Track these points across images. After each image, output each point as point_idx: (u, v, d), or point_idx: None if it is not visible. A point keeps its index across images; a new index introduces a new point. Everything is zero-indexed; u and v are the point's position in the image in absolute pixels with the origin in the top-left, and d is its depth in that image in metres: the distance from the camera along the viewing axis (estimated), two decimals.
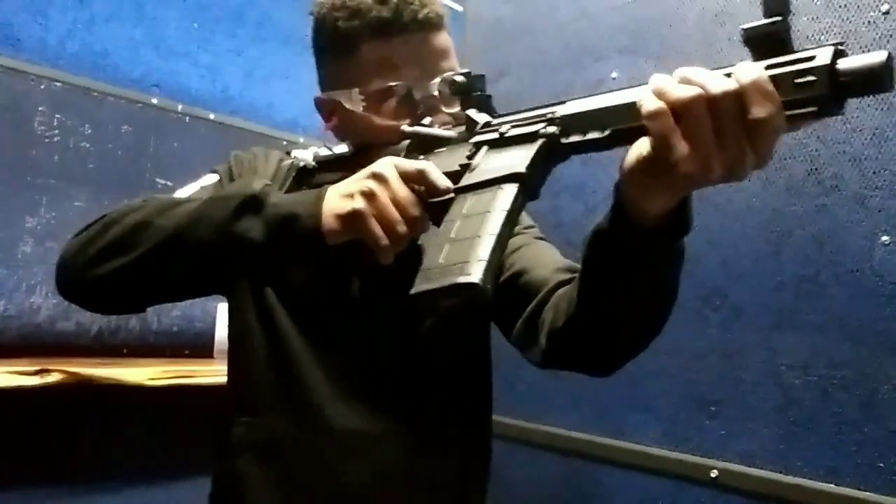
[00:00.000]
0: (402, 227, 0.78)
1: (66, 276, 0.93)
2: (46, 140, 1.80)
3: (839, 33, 1.42)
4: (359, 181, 0.81)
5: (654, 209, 0.69)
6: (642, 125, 0.63)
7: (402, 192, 0.79)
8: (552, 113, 0.75)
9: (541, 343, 0.91)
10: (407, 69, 1.00)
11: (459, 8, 2.30)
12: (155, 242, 0.86)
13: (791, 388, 1.45)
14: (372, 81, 1.01)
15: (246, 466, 1.01)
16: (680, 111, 0.60)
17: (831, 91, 0.57)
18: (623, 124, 0.68)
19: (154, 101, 2.00)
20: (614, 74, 1.90)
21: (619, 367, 0.89)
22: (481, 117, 0.85)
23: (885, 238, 1.34)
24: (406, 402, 1.02)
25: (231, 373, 1.09)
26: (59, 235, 1.77)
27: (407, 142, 0.94)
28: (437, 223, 0.78)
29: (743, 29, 0.62)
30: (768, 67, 0.59)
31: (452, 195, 0.78)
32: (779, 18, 0.59)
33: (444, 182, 0.79)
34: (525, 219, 1.11)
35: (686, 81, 0.61)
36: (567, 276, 0.94)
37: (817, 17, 1.45)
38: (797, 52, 0.59)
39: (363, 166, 0.84)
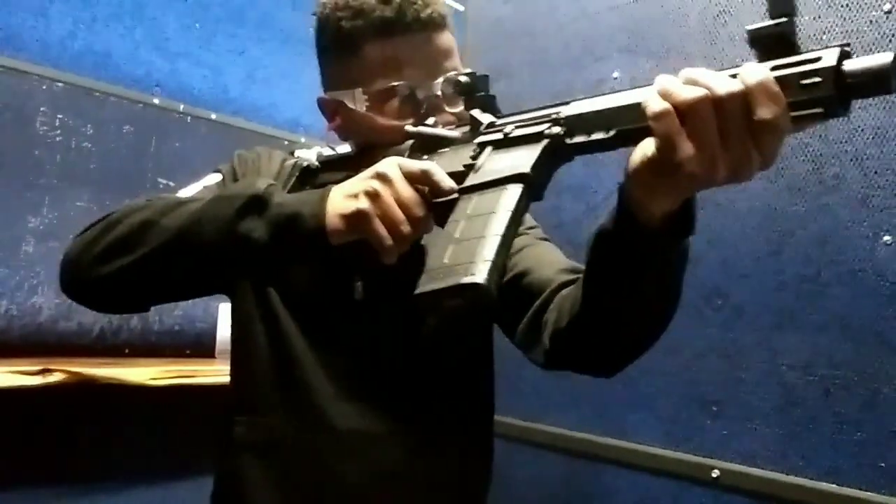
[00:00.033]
0: (406, 228, 0.78)
1: (70, 275, 0.93)
2: (48, 140, 1.80)
3: (841, 32, 1.42)
4: (363, 181, 0.81)
5: (658, 210, 0.69)
6: (647, 126, 0.63)
7: (407, 192, 0.79)
8: (557, 113, 0.75)
9: (544, 343, 0.91)
10: (410, 69, 1.00)
11: (460, 8, 2.30)
12: (159, 242, 0.86)
13: (792, 387, 1.45)
14: (375, 81, 1.01)
15: (247, 466, 1.01)
16: (685, 112, 0.60)
17: (837, 92, 0.57)
18: (628, 125, 0.68)
19: (156, 101, 2.00)
20: (615, 74, 1.90)
21: (622, 368, 0.89)
22: (485, 117, 0.85)
23: (886, 238, 1.34)
24: (408, 403, 1.02)
25: (233, 372, 1.09)
26: (62, 235, 1.77)
27: (410, 142, 0.94)
28: (441, 224, 0.77)
29: (748, 30, 0.62)
30: (774, 69, 0.59)
31: (457, 196, 0.78)
32: (784, 19, 0.59)
33: (449, 183, 0.80)
34: (528, 219, 1.11)
35: (691, 82, 0.61)
36: (570, 276, 0.94)
37: (819, 17, 1.45)
38: (803, 53, 0.59)
39: (366, 166, 0.84)
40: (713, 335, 1.59)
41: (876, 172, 1.37)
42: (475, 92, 0.87)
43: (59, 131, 1.82)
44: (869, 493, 1.32)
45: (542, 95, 1.99)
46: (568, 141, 0.73)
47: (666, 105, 0.61)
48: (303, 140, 2.27)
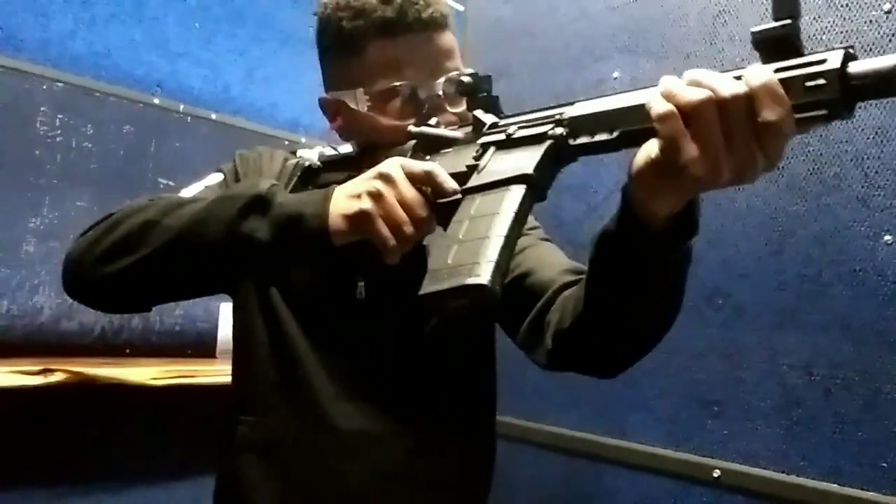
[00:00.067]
0: (409, 228, 0.78)
1: (72, 274, 0.93)
2: (48, 140, 1.80)
3: (841, 32, 1.42)
4: (366, 181, 0.81)
5: (661, 211, 0.69)
6: (651, 127, 0.63)
7: (410, 192, 0.79)
8: (560, 114, 0.75)
9: (546, 344, 0.91)
10: (412, 69, 1.00)
11: (460, 8, 2.30)
12: (162, 242, 0.86)
13: (793, 387, 1.45)
14: (377, 81, 1.00)
15: (249, 466, 1.01)
16: (689, 114, 0.60)
17: (842, 95, 0.57)
18: (632, 126, 0.68)
19: (156, 101, 2.00)
20: (615, 74, 1.91)
21: (624, 369, 0.89)
22: (488, 118, 0.85)
23: (887, 238, 1.34)
24: (410, 403, 1.02)
25: (235, 372, 1.09)
26: (62, 235, 1.77)
27: (413, 142, 0.94)
28: (444, 224, 0.77)
29: (753, 31, 0.61)
30: (778, 70, 0.59)
31: (460, 196, 0.78)
32: (788, 21, 0.59)
33: (451, 184, 0.80)
34: (530, 220, 1.10)
35: (696, 84, 0.61)
36: (573, 277, 0.94)
37: (819, 17, 1.46)
38: (807, 55, 0.59)
39: (368, 166, 0.84)
40: (713, 335, 1.59)
41: (876, 172, 1.37)
42: (478, 92, 0.87)
43: (59, 131, 1.81)
44: (870, 493, 1.32)
45: (542, 95, 1.99)
46: (571, 142, 0.73)
47: (670, 107, 0.61)
48: (303, 140, 2.26)
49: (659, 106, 0.62)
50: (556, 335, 0.89)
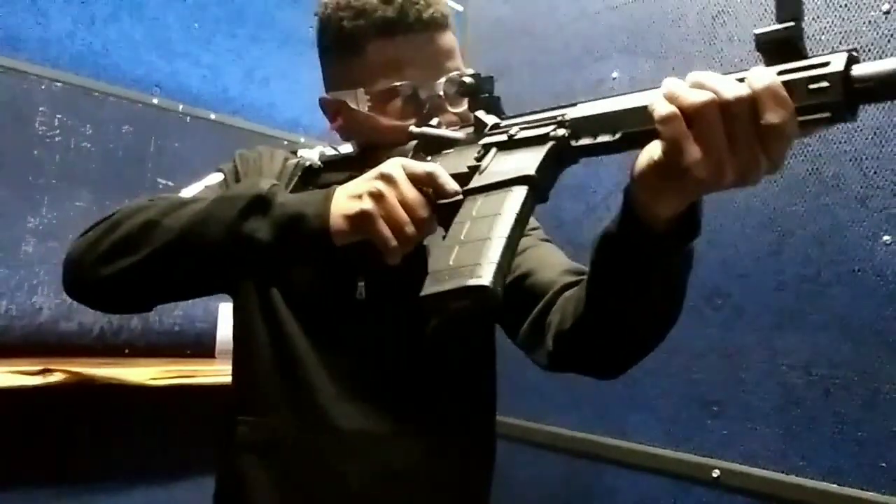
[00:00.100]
0: (410, 229, 0.78)
1: (73, 275, 0.93)
2: (47, 140, 1.80)
3: (839, 33, 1.43)
4: (367, 182, 0.81)
5: (664, 213, 0.69)
6: (654, 129, 0.63)
7: (411, 193, 0.79)
8: (562, 115, 0.75)
9: (547, 345, 0.91)
10: (412, 69, 1.00)
11: (460, 8, 2.30)
12: (162, 242, 0.86)
13: (792, 387, 1.45)
14: (377, 81, 1.00)
15: (249, 466, 1.01)
16: (692, 116, 0.60)
17: (845, 98, 0.57)
18: (634, 128, 0.68)
19: (155, 101, 2.00)
20: (615, 74, 1.91)
21: (625, 370, 0.89)
22: (490, 119, 0.85)
23: (886, 238, 1.35)
24: (410, 403, 1.02)
25: (235, 372, 1.09)
26: (61, 235, 1.76)
27: (414, 142, 0.94)
28: (446, 225, 0.77)
29: (756, 33, 0.61)
30: (781, 73, 0.59)
31: (461, 197, 0.78)
32: (792, 24, 0.59)
33: (453, 185, 0.79)
34: (531, 220, 1.11)
35: (699, 86, 0.61)
36: (573, 278, 0.94)
37: (818, 17, 1.46)
38: (810, 57, 0.59)
39: (369, 166, 0.84)
40: (713, 335, 1.59)
41: (875, 172, 1.38)
42: (480, 93, 0.87)
43: (58, 131, 1.81)
44: (870, 493, 1.32)
45: (542, 95, 2.00)
46: (573, 143, 0.73)
47: (673, 108, 0.61)
48: (302, 140, 2.26)
49: (662, 108, 0.62)
50: (556, 336, 0.89)
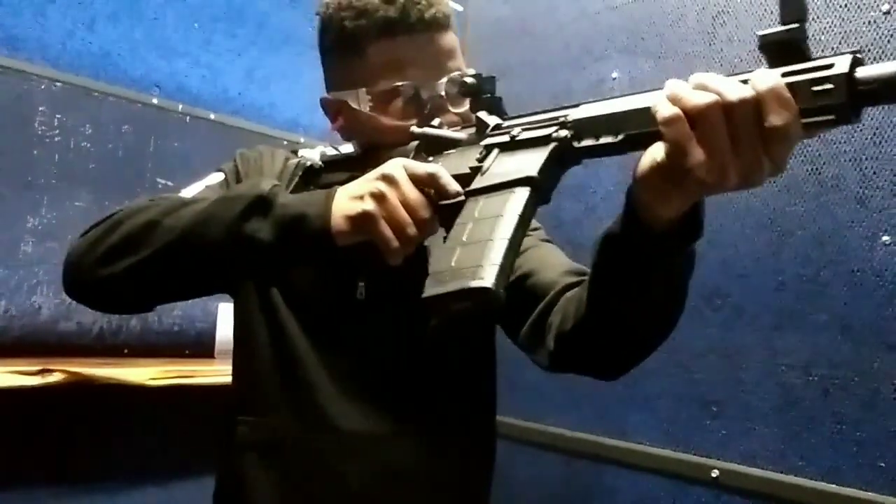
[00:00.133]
0: (411, 230, 0.78)
1: (73, 275, 0.93)
2: (47, 140, 1.79)
3: (839, 33, 1.43)
4: (368, 182, 0.81)
5: (666, 214, 0.69)
6: (657, 131, 0.63)
7: (413, 194, 0.79)
8: (564, 116, 0.75)
9: (548, 346, 0.91)
10: (414, 69, 1.00)
11: (460, 8, 2.30)
12: (163, 243, 0.86)
13: (792, 387, 1.45)
14: (379, 81, 1.00)
15: (249, 466, 1.01)
16: (696, 118, 0.60)
17: (849, 100, 0.56)
18: (637, 129, 0.67)
19: (154, 101, 2.00)
20: (614, 74, 1.91)
21: (627, 371, 0.89)
22: (492, 119, 0.85)
23: (885, 238, 1.35)
24: (410, 403, 1.02)
25: (235, 372, 1.09)
26: (61, 235, 1.76)
27: (415, 143, 0.94)
28: (447, 226, 0.77)
29: (759, 35, 0.61)
30: (785, 75, 0.59)
31: (463, 198, 0.78)
32: (796, 25, 0.59)
33: (455, 186, 0.79)
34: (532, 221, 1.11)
35: (702, 88, 0.61)
36: (575, 278, 0.94)
37: (818, 17, 1.46)
38: (814, 59, 0.59)
39: (371, 167, 0.84)
40: (713, 335, 1.59)
41: (874, 173, 1.38)
42: (481, 93, 0.87)
43: (57, 131, 1.81)
44: (869, 493, 1.32)
45: (542, 95, 2.00)
46: (576, 144, 0.73)
47: (676, 110, 0.61)
48: (302, 140, 2.26)
49: (665, 109, 0.62)
50: (558, 337, 0.89)
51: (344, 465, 0.98)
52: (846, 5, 1.43)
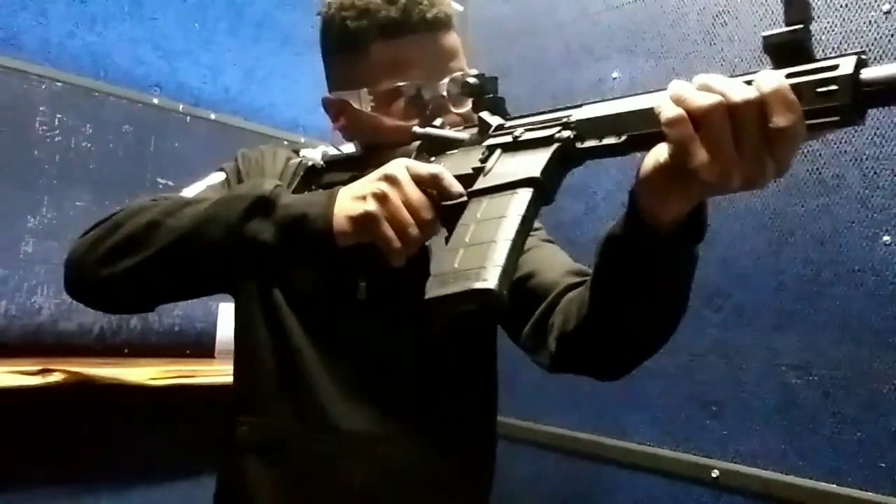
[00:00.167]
0: (414, 231, 0.78)
1: (74, 275, 0.93)
2: (47, 140, 1.80)
3: (840, 33, 1.43)
4: (371, 183, 0.81)
5: (669, 215, 0.69)
6: (660, 132, 0.62)
7: (415, 194, 0.78)
8: (567, 117, 0.74)
9: (550, 346, 0.91)
10: (416, 69, 1.00)
11: (460, 8, 2.29)
12: (165, 243, 0.86)
13: (792, 388, 1.45)
14: (381, 81, 1.00)
15: (250, 466, 1.01)
16: (699, 119, 0.59)
17: (853, 101, 0.56)
18: (640, 130, 0.67)
19: (155, 101, 2.00)
20: (615, 74, 1.91)
21: (628, 372, 0.89)
22: (494, 120, 0.84)
23: (886, 238, 1.35)
24: (411, 403, 1.02)
25: (236, 372, 1.09)
26: (61, 235, 1.77)
27: (417, 143, 0.93)
28: (449, 227, 0.77)
29: (763, 36, 0.60)
30: (790, 76, 0.59)
31: (465, 199, 0.77)
32: (800, 26, 0.59)
33: (457, 186, 0.79)
34: None
35: (706, 89, 0.60)
36: (576, 279, 0.94)
37: (818, 17, 1.46)
38: (819, 60, 0.59)
39: (372, 167, 0.84)
40: (713, 335, 1.59)
41: (875, 173, 1.38)
42: (484, 93, 0.86)
43: (58, 131, 1.81)
44: (869, 494, 1.32)
45: (542, 95, 2.00)
46: (578, 145, 0.72)
47: (680, 111, 0.60)
48: (302, 140, 2.26)
49: (669, 110, 0.61)
50: (559, 338, 0.89)
51: (345, 465, 0.98)
52: (847, 5, 1.43)
